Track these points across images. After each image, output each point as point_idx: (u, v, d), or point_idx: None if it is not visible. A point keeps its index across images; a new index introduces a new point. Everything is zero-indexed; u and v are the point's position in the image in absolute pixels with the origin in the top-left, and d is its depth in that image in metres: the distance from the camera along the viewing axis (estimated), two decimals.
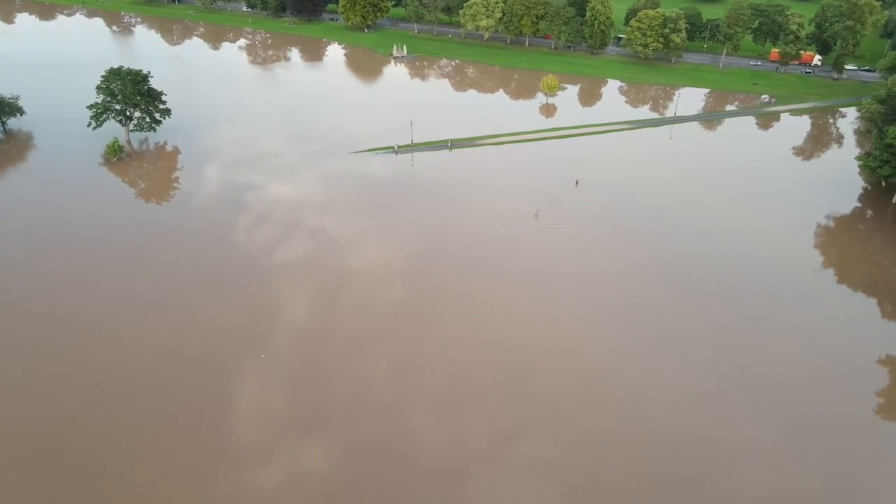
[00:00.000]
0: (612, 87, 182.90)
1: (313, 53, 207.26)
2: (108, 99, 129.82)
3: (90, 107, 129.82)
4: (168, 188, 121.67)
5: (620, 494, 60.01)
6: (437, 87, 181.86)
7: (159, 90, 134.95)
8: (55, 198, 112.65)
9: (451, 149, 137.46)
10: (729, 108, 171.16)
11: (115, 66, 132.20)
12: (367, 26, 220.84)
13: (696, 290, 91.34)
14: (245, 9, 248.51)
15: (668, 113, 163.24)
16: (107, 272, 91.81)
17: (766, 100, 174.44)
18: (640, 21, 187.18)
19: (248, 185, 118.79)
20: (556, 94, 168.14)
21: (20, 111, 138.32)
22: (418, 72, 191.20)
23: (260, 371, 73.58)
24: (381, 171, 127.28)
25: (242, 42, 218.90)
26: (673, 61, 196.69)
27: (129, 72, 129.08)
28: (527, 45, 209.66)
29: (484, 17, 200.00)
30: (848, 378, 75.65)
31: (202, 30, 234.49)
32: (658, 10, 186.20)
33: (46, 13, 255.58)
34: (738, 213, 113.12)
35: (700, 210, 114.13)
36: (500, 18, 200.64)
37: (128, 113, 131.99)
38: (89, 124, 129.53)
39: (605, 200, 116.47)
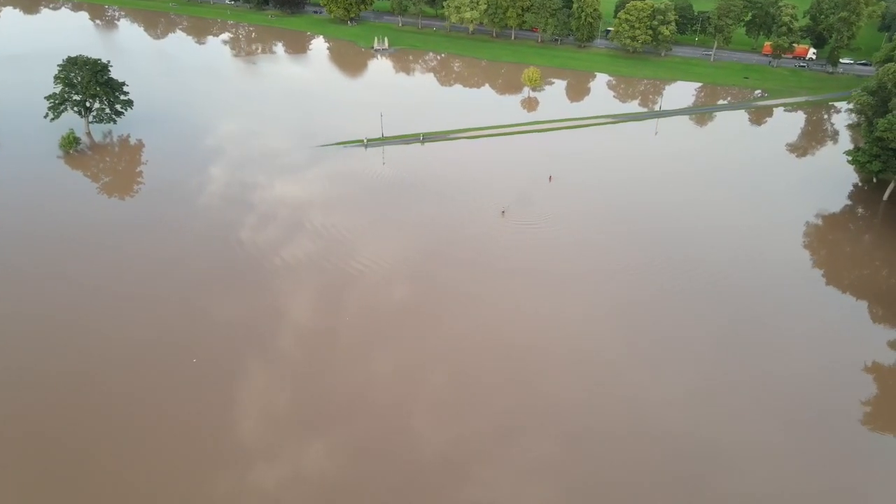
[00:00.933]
0: (597, 81, 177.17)
1: (293, 46, 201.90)
2: (67, 89, 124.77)
3: (48, 97, 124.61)
4: (128, 181, 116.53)
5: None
6: (415, 81, 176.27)
7: (121, 81, 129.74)
8: (4, 193, 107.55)
9: (423, 142, 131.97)
10: (719, 102, 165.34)
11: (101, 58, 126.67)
12: (351, 19, 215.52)
13: (683, 290, 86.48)
14: (228, 1, 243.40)
15: (655, 107, 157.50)
16: (66, 265, 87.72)
17: (758, 94, 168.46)
18: (628, 13, 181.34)
19: (207, 179, 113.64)
20: (540, 88, 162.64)
21: None
22: (398, 65, 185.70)
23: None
24: (347, 165, 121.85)
25: (223, 35, 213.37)
26: (662, 55, 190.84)
27: (87, 60, 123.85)
28: (513, 38, 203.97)
29: (468, 9, 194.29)
30: (837, 378, 72.33)
31: (185, 23, 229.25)
32: (647, 1, 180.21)
33: (31, 7, 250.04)
34: (724, 211, 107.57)
35: (683, 207, 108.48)
36: (485, 10, 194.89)
37: (87, 104, 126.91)
38: (46, 115, 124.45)
39: (580, 197, 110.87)
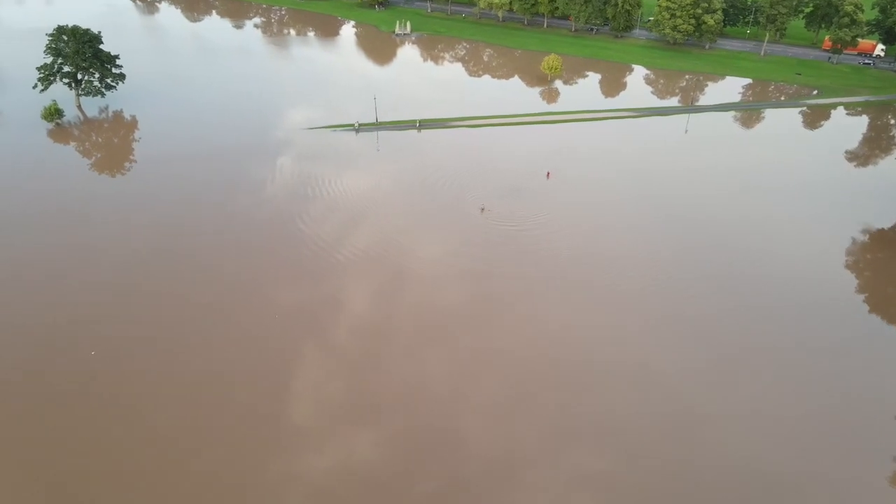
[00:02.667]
0: (628, 73, 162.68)
1: (316, 29, 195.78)
2: (60, 60, 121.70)
3: (39, 68, 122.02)
4: (110, 155, 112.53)
5: None
6: (427, 66, 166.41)
7: (114, 53, 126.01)
8: None
9: (419, 129, 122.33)
10: (758, 98, 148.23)
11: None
12: (379, 3, 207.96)
13: (720, 308, 75.00)
14: None
15: (688, 103, 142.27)
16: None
17: (812, 93, 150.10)
18: (669, 0, 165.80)
19: (189, 156, 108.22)
20: (560, 76, 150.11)
21: None
22: (414, 50, 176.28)
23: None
24: (331, 148, 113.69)
25: (251, 17, 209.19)
26: (706, 47, 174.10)
27: (76, 30, 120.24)
28: (545, 26, 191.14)
29: None
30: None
31: (217, 4, 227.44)
32: None
33: None
34: (754, 223, 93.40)
35: (704, 215, 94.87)
36: None
37: (78, 76, 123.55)
38: (35, 86, 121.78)
39: (576, 196, 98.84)
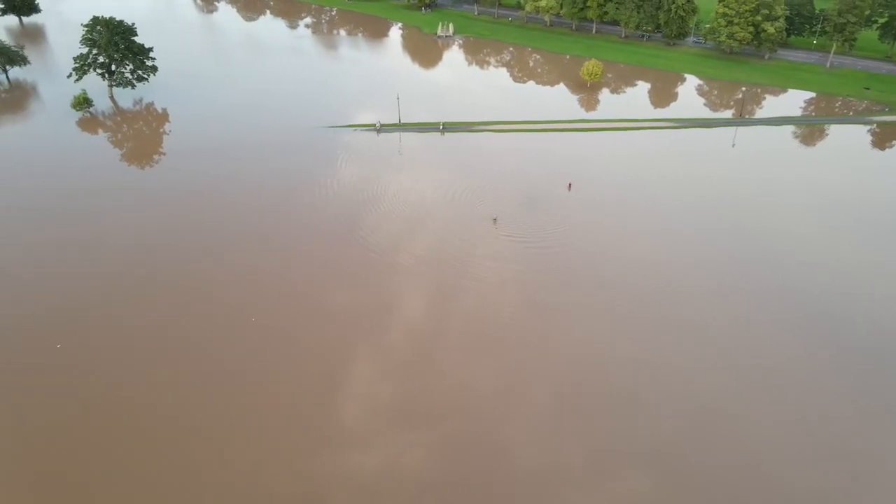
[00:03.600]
0: (677, 82, 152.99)
1: (358, 30, 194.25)
2: (94, 51, 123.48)
3: (76, 58, 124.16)
4: (131, 147, 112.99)
5: None
6: (461, 68, 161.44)
7: (148, 46, 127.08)
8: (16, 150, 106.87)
9: (442, 132, 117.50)
10: (821, 113, 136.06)
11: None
12: (426, 5, 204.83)
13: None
14: None
15: (738, 115, 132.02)
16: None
17: (885, 110, 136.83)
18: (726, 5, 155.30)
19: (202, 150, 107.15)
20: (600, 82, 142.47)
21: (24, 60, 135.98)
22: (453, 52, 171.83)
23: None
24: (350, 147, 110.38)
25: (303, 17, 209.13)
26: (766, 57, 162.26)
27: (110, 21, 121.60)
28: (594, 31, 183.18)
29: None
30: None
31: (272, 3, 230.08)
32: None
33: None
34: (805, 247, 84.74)
35: (741, 235, 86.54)
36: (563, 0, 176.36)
37: (112, 67, 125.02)
38: (69, 75, 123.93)
39: (596, 211, 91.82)
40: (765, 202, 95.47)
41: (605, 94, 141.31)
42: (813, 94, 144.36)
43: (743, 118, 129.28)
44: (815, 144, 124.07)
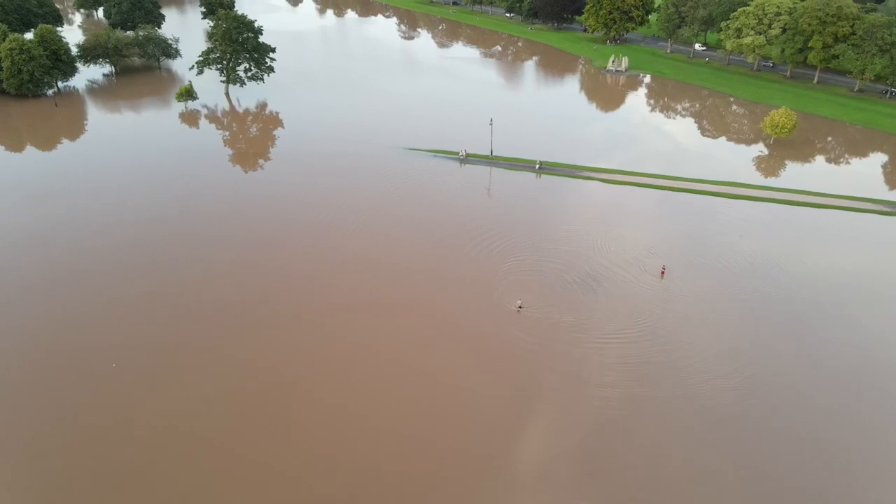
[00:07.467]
0: None
1: (526, 59, 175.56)
2: (213, 46, 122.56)
3: (203, 52, 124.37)
4: (195, 144, 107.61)
5: None
6: (602, 104, 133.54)
7: (271, 45, 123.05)
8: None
9: (538, 173, 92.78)
10: None
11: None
12: (613, 39, 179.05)
13: None
14: (508, 15, 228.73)
15: None
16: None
17: None
18: None
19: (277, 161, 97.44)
20: (789, 138, 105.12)
21: (177, 54, 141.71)
22: (607, 86, 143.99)
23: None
24: (403, 172, 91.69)
25: (492, 46, 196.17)
26: None
27: (229, 16, 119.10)
28: (815, 80, 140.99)
29: (752, 31, 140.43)
30: None
31: (443, 26, 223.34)
32: None
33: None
34: None
35: None
36: (777, 36, 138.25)
37: (232, 64, 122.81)
38: (191, 67, 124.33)
39: (690, 312, 60.50)
40: None
41: (786, 155, 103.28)
42: None
43: None
44: None
